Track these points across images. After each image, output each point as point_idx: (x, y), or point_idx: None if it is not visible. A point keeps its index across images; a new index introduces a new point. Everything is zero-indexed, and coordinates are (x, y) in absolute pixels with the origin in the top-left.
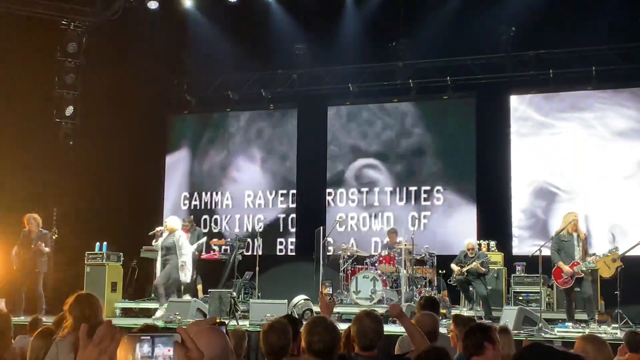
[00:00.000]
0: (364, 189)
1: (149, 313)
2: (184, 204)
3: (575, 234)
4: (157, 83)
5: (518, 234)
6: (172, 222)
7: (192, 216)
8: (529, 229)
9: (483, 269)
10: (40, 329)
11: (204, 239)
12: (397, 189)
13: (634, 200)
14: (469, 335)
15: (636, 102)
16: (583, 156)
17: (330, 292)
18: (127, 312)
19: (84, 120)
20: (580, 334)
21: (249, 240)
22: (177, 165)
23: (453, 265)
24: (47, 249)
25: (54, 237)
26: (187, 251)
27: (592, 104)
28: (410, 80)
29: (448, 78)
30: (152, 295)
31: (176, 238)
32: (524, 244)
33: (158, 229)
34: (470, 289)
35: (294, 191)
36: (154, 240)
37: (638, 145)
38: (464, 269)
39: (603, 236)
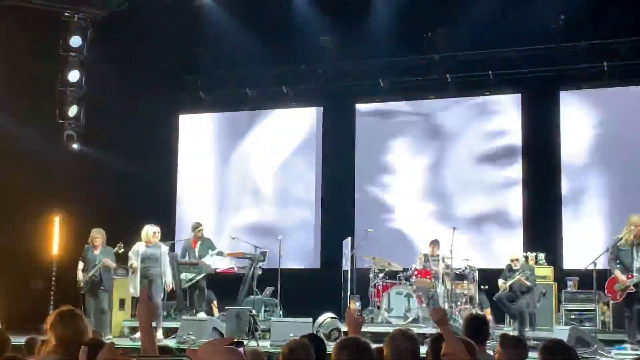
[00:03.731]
0: (397, 197)
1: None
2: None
3: (635, 242)
4: (169, 80)
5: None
6: (159, 234)
7: (202, 225)
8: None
9: (528, 283)
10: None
11: (217, 250)
12: (433, 198)
13: None
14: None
15: None
16: None
17: (359, 307)
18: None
19: (89, 122)
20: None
21: (267, 251)
22: (191, 169)
23: (500, 281)
24: (113, 264)
25: (120, 251)
26: (167, 269)
27: None
28: (448, 75)
29: (490, 72)
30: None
31: (162, 251)
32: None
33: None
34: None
35: (319, 196)
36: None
37: None
38: (507, 284)
39: None
